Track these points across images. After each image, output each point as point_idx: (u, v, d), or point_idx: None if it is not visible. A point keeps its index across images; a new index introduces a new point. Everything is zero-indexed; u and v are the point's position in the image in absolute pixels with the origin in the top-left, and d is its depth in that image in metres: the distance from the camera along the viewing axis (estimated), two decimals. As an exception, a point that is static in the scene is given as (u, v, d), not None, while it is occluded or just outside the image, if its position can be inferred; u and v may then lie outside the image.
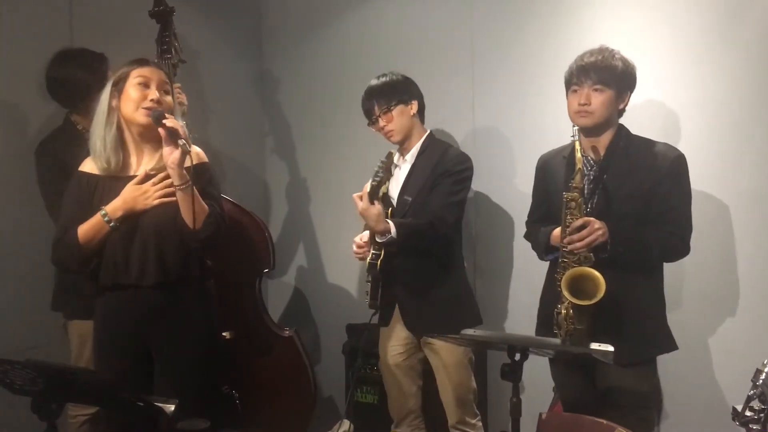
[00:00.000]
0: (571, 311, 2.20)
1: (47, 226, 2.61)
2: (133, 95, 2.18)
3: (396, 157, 2.76)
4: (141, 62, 2.24)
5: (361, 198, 2.46)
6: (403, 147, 2.77)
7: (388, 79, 2.73)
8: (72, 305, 2.66)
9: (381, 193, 2.47)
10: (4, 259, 2.75)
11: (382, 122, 2.70)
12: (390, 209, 2.69)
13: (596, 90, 2.26)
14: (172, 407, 1.68)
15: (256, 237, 3.10)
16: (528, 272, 3.05)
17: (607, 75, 2.25)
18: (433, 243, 2.62)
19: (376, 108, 2.70)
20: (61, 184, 2.51)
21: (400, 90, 2.70)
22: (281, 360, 3.12)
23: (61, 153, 2.56)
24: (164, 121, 2.12)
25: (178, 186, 2.14)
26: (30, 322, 2.76)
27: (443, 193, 2.62)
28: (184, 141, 2.10)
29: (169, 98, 2.24)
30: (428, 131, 2.77)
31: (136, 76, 2.19)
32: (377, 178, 2.46)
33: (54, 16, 2.90)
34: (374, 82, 2.75)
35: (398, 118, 2.68)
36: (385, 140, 2.78)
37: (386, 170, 2.47)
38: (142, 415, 1.73)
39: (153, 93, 2.18)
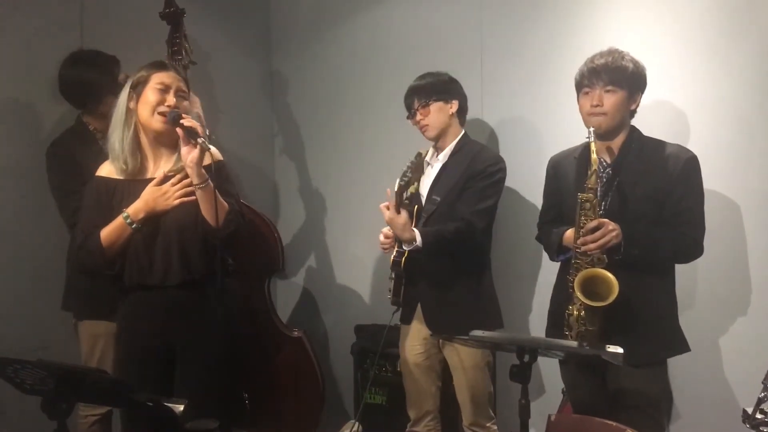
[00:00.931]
0: (583, 312, 2.19)
1: (59, 226, 2.63)
2: (151, 99, 2.19)
3: (429, 155, 2.76)
4: (161, 66, 2.26)
5: (388, 207, 2.48)
6: (437, 145, 2.76)
7: (433, 79, 2.75)
8: (82, 306, 2.67)
9: (409, 193, 2.47)
10: (16, 259, 2.77)
11: (419, 116, 2.71)
12: (417, 206, 2.70)
13: (608, 91, 2.25)
14: (182, 407, 1.68)
15: (265, 237, 3.11)
16: (541, 273, 3.05)
17: (619, 76, 2.24)
18: (462, 249, 2.61)
19: (415, 101, 2.72)
20: (73, 184, 2.54)
21: (441, 88, 2.72)
22: (290, 360, 3.13)
23: (72, 153, 2.58)
24: (182, 120, 2.14)
25: (197, 185, 2.16)
26: (41, 321, 2.78)
27: (473, 199, 2.61)
28: (204, 139, 2.12)
29: (185, 104, 2.26)
30: (463, 131, 2.77)
31: (156, 81, 2.20)
32: (405, 178, 2.47)
33: (65, 18, 2.92)
34: (417, 80, 2.77)
35: (435, 113, 2.69)
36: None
37: (415, 170, 2.47)
38: (156, 415, 1.73)
39: (170, 99, 2.20)
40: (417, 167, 2.48)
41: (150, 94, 2.19)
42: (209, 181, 2.16)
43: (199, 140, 2.11)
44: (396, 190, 2.45)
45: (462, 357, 2.66)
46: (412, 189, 2.48)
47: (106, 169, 2.27)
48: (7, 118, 2.77)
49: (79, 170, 2.57)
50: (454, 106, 2.72)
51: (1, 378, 1.65)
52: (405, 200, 2.50)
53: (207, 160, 2.21)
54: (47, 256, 2.77)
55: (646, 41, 2.70)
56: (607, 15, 2.84)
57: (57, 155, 2.62)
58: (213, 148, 2.32)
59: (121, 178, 2.24)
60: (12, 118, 2.78)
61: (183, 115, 2.16)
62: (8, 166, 2.76)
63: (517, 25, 3.07)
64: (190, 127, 2.13)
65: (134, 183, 2.24)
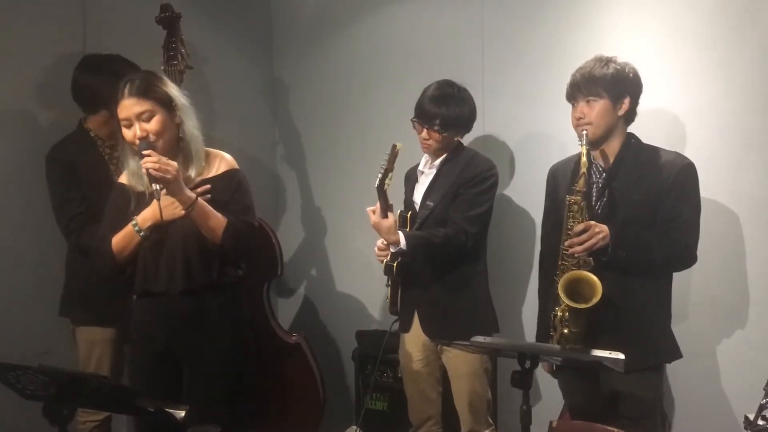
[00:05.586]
0: (567, 314, 2.20)
1: (59, 231, 2.62)
2: (127, 137, 2.20)
3: (423, 164, 2.77)
4: (120, 95, 2.18)
5: (374, 212, 2.50)
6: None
7: (445, 109, 2.61)
8: (79, 312, 2.67)
9: (386, 185, 2.48)
10: (17, 265, 2.76)
11: (425, 134, 2.67)
12: (410, 212, 2.70)
13: (589, 101, 2.27)
14: (183, 413, 1.69)
15: (264, 244, 3.11)
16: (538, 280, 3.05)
17: (595, 85, 2.26)
18: (451, 254, 2.61)
19: (422, 122, 2.66)
20: (71, 192, 2.54)
21: (450, 124, 2.63)
22: (289, 366, 3.13)
23: (73, 160, 2.57)
24: (142, 162, 2.10)
25: (185, 210, 2.18)
26: (42, 327, 2.77)
27: (465, 205, 2.61)
28: (158, 187, 2.09)
29: (151, 125, 2.17)
30: (458, 140, 2.75)
31: (120, 118, 2.18)
32: (381, 171, 2.47)
33: (67, 22, 2.91)
34: (433, 102, 2.64)
35: (437, 138, 2.65)
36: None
37: (390, 162, 2.46)
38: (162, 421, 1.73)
39: (136, 132, 2.16)
40: (392, 158, 2.48)
41: (124, 132, 2.20)
42: (195, 203, 2.17)
43: (155, 187, 2.08)
44: (377, 186, 2.46)
45: (460, 364, 2.66)
46: (388, 181, 2.49)
47: (128, 177, 2.30)
48: (8, 123, 2.75)
49: (79, 178, 2.56)
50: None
51: (3, 384, 1.66)
52: (385, 188, 2.49)
53: (223, 168, 2.30)
54: (48, 261, 2.76)
55: (647, 47, 2.71)
56: (608, 21, 2.85)
57: (57, 162, 2.60)
58: (228, 156, 2.38)
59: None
60: (12, 123, 2.77)
61: (150, 153, 2.10)
62: (8, 172, 2.74)
63: (519, 30, 3.08)
64: (149, 170, 2.08)
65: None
